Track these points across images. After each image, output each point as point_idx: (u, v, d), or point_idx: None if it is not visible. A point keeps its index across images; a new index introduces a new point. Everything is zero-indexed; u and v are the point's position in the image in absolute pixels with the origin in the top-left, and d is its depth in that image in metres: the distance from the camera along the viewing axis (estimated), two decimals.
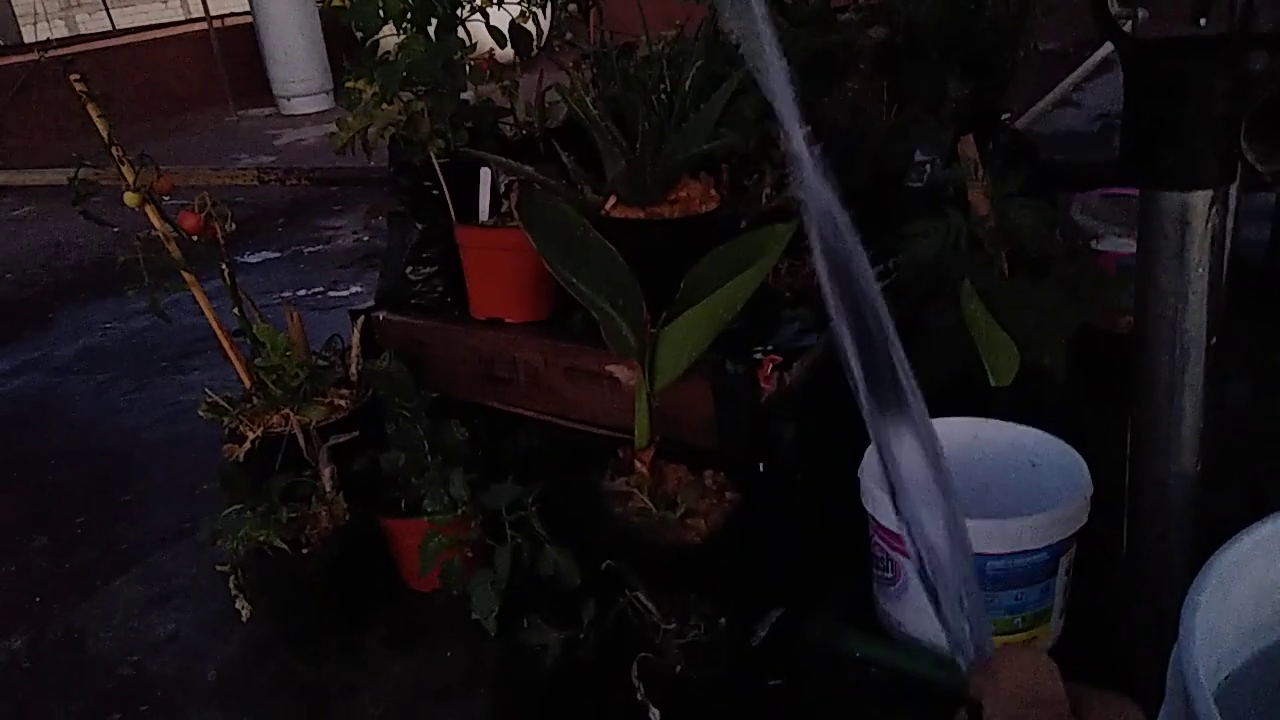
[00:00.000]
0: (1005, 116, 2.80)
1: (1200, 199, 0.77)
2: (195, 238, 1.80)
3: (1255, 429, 1.92)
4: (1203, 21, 0.72)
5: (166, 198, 1.82)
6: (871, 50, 2.38)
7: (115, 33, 8.05)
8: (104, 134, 1.75)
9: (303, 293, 3.64)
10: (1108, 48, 5.27)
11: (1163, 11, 0.83)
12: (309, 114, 7.02)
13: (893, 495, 0.51)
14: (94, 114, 1.75)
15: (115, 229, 1.84)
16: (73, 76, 1.74)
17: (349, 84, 1.86)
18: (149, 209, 1.77)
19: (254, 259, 4.05)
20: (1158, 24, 0.82)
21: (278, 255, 4.11)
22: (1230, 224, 1.21)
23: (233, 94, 7.49)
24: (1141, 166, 0.79)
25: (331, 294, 3.61)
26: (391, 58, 1.78)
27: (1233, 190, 0.91)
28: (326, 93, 7.07)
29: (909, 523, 0.51)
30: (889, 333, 0.48)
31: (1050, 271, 1.89)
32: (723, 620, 1.53)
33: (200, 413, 1.84)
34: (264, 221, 4.52)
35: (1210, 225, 0.77)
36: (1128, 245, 2.35)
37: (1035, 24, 2.61)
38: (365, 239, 4.12)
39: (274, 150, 6.16)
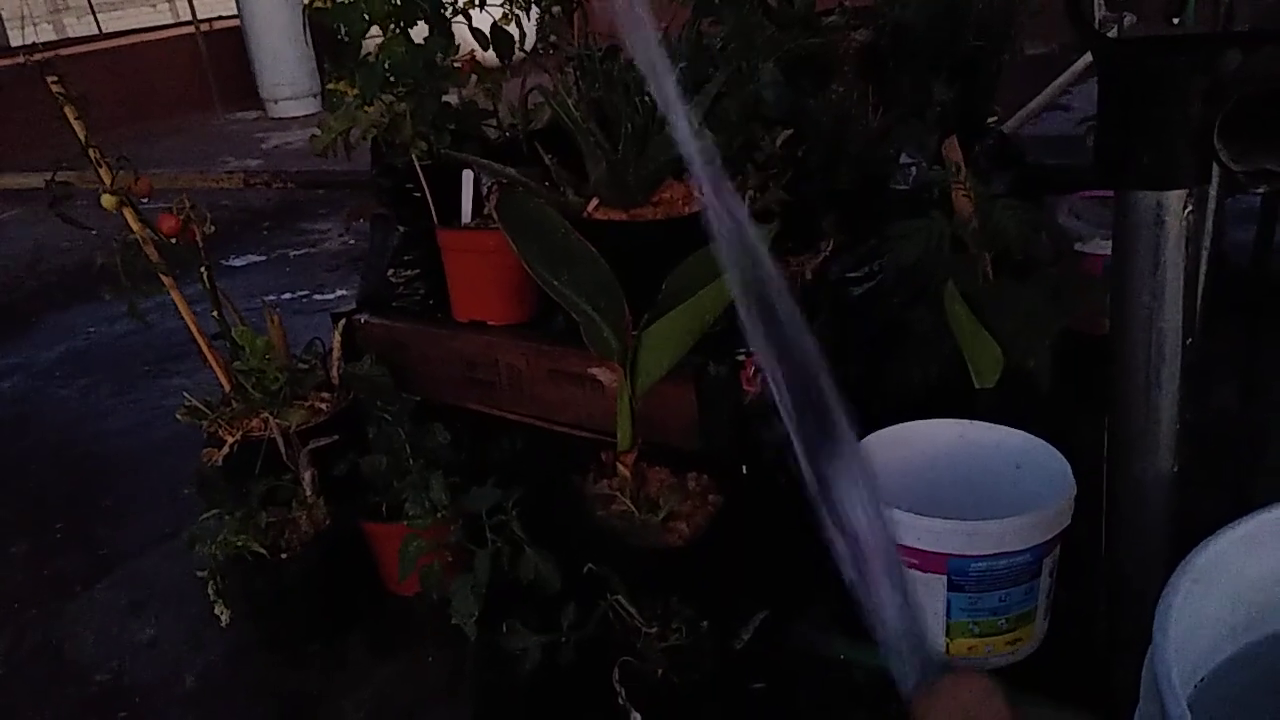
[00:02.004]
0: (992, 120, 2.80)
1: (1175, 198, 0.76)
2: (174, 240, 1.79)
3: (1240, 432, 1.92)
4: (1176, 20, 0.72)
5: (145, 200, 1.81)
6: (857, 53, 2.38)
7: (102, 36, 8.01)
8: (81, 135, 1.74)
9: (288, 296, 3.62)
10: None
11: (1142, 13, 0.82)
12: (296, 117, 7.00)
13: (826, 515, 0.51)
14: (71, 115, 1.74)
15: (94, 231, 1.83)
16: (50, 78, 1.73)
17: (331, 85, 1.85)
18: (127, 211, 1.75)
19: (238, 263, 4.03)
20: (1140, 27, 0.82)
21: (263, 259, 4.09)
22: (1211, 226, 1.21)
23: (220, 97, 7.47)
24: (1116, 166, 0.78)
25: (317, 297, 3.59)
26: (372, 59, 1.77)
27: (1211, 191, 0.90)
28: (314, 96, 7.04)
29: (840, 540, 0.50)
30: (816, 364, 0.48)
31: (1035, 273, 1.89)
32: (705, 623, 1.52)
33: (178, 416, 1.83)
34: (249, 225, 4.50)
35: (1185, 224, 0.76)
36: None
37: (1021, 28, 2.61)
38: (351, 242, 4.11)
39: (261, 154, 6.13)
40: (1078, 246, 2.30)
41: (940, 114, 2.31)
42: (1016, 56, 2.66)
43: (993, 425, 1.65)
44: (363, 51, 1.82)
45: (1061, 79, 4.35)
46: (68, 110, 1.73)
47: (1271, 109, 0.70)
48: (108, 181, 1.74)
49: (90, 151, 1.74)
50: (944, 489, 1.64)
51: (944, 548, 1.43)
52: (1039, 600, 1.50)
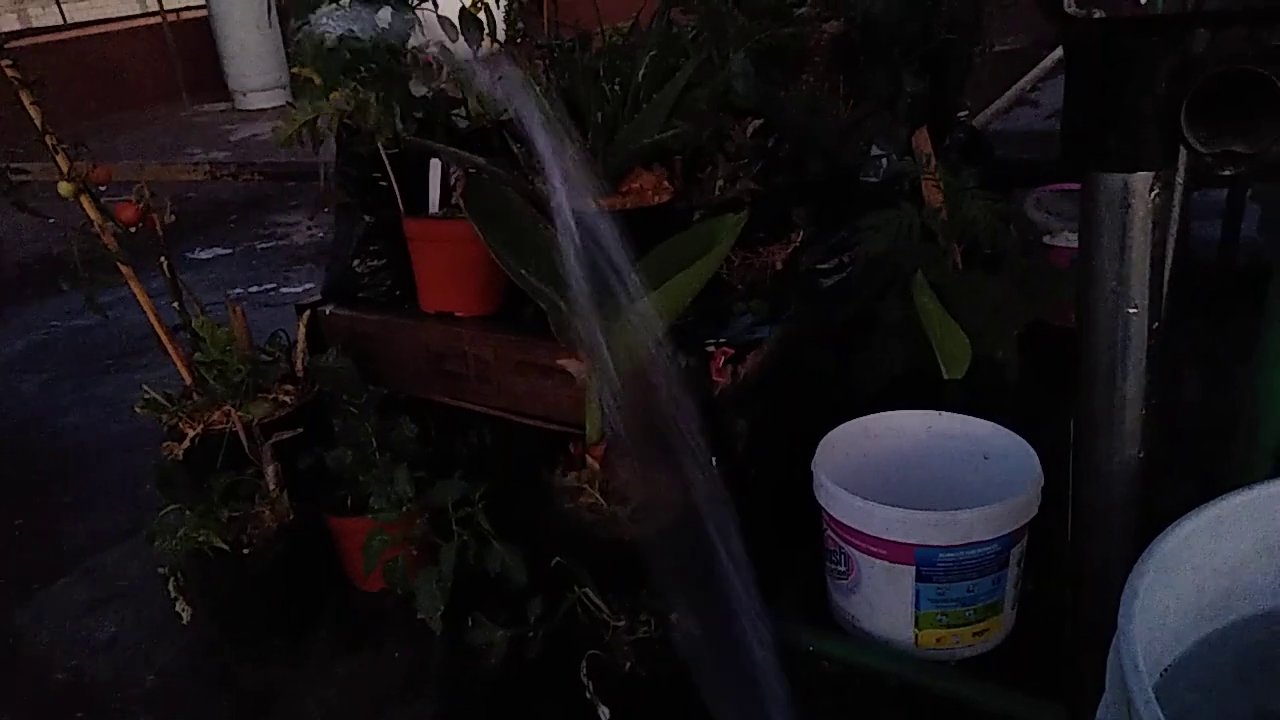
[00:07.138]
0: (961, 114, 2.80)
1: (1141, 181, 0.76)
2: (134, 229, 1.75)
3: (1206, 424, 1.94)
4: (1143, 1, 0.71)
5: (104, 189, 1.77)
6: (827, 44, 2.37)
7: (67, 26, 7.87)
8: (37, 121, 1.70)
9: (255, 289, 3.58)
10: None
11: (1109, 6, 0.81)
12: (265, 109, 6.91)
13: None
14: (26, 101, 1.70)
15: (51, 220, 1.79)
16: (4, 63, 1.68)
17: (294, 70, 1.82)
18: (84, 199, 1.72)
19: (205, 255, 3.97)
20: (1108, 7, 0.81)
21: (229, 252, 4.03)
22: (1177, 213, 1.21)
23: (187, 89, 7.37)
24: (1082, 149, 0.78)
25: (284, 290, 3.55)
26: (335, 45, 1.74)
27: (1178, 181, 0.90)
28: (283, 88, 6.96)
29: None
30: None
31: (1003, 265, 1.89)
32: (674, 616, 1.50)
33: (137, 409, 1.79)
34: (215, 218, 4.43)
35: (1152, 207, 0.76)
36: None
37: (991, 22, 2.62)
38: (320, 235, 4.06)
39: (229, 145, 6.06)
40: (1045, 239, 2.31)
41: (911, 106, 2.31)
42: (986, 51, 2.67)
43: (961, 416, 1.65)
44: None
45: (1030, 74, 4.37)
46: (23, 95, 1.69)
47: (1239, 89, 0.70)
48: (64, 168, 1.70)
49: (46, 138, 1.71)
50: (912, 480, 1.64)
51: (911, 538, 1.43)
52: (1007, 591, 1.50)
